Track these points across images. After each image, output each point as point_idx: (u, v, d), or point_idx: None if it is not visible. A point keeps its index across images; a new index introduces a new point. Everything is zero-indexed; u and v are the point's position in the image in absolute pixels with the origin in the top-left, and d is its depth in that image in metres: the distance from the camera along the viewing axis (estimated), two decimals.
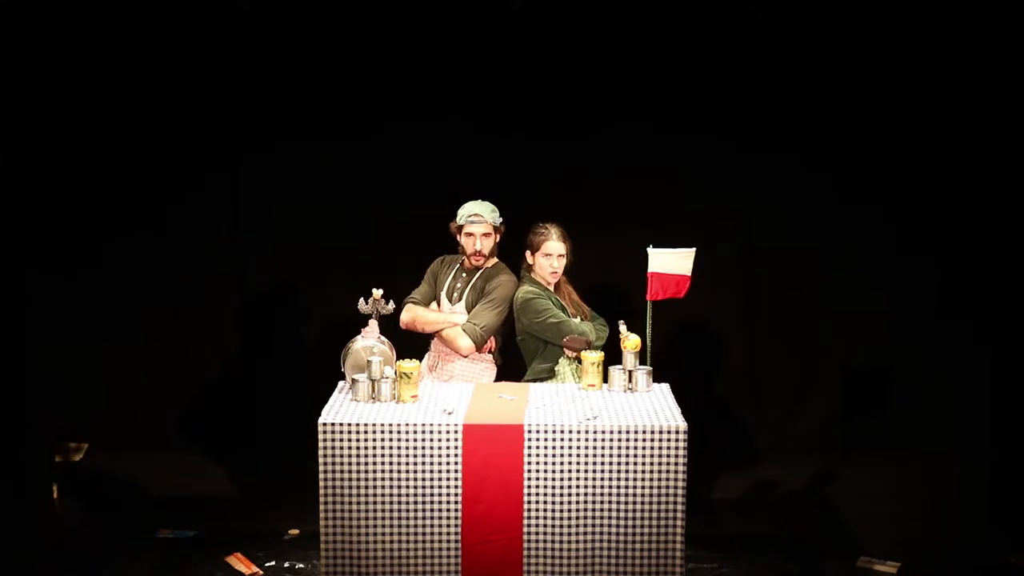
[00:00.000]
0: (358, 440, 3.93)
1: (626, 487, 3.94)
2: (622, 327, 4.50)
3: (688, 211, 6.05)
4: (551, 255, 4.84)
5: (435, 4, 5.81)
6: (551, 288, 4.90)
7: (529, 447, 3.95)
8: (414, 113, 5.93)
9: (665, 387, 4.47)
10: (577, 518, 3.96)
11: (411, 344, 4.83)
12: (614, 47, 5.89)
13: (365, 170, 6.00)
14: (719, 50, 5.90)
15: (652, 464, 3.93)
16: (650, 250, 4.59)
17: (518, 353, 4.92)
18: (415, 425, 3.95)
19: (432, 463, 3.95)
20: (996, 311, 6.05)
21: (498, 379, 4.92)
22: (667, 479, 3.93)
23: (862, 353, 6.19)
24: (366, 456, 3.94)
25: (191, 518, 5.25)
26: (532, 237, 4.89)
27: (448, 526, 3.97)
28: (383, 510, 3.96)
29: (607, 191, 6.07)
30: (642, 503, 3.94)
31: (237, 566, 4.77)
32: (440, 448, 3.94)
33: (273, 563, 4.81)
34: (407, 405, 4.16)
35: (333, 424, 3.94)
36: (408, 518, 3.96)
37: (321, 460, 3.94)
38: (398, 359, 4.30)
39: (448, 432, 3.94)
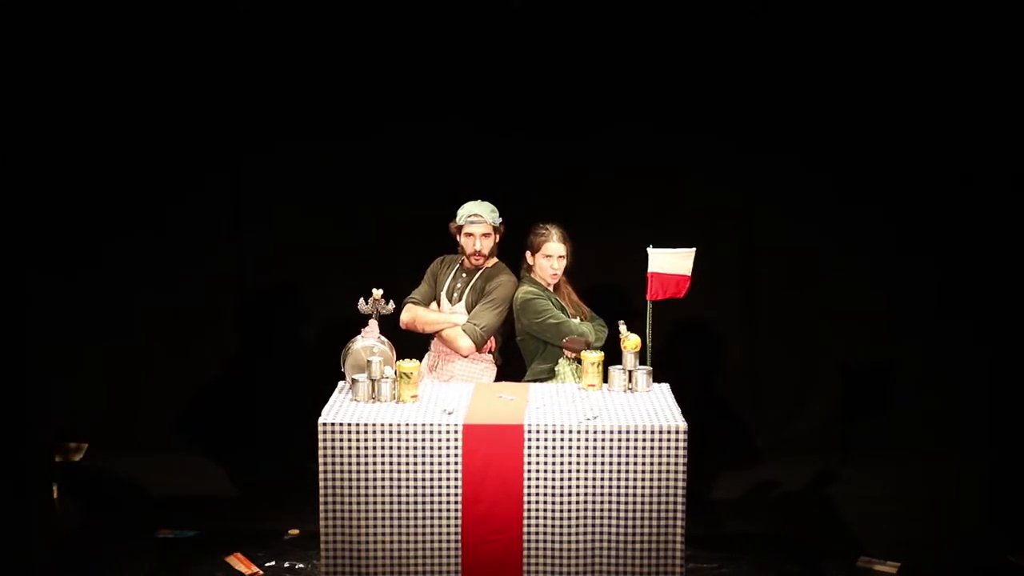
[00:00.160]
0: (358, 440, 3.93)
1: (626, 487, 3.94)
2: (622, 327, 4.50)
3: (688, 211, 6.05)
4: (551, 256, 4.84)
5: (435, 4, 5.81)
6: (551, 288, 4.90)
7: (529, 447, 3.95)
8: (414, 113, 5.92)
9: (665, 387, 4.47)
10: (577, 518, 3.96)
11: (411, 344, 4.83)
12: (614, 47, 5.89)
13: (365, 170, 6.00)
14: (719, 50, 5.90)
15: (652, 464, 3.93)
16: (650, 250, 4.59)
17: (518, 353, 4.92)
18: (415, 425, 3.95)
19: (432, 463, 3.95)
20: (996, 311, 6.05)
21: (498, 379, 4.92)
22: (667, 479, 3.93)
23: (862, 353, 6.19)
24: (366, 456, 3.94)
25: (191, 518, 5.25)
26: (532, 238, 4.89)
27: (448, 526, 3.96)
28: (383, 510, 3.96)
29: (607, 191, 6.07)
30: (642, 503, 3.94)
31: (237, 566, 4.77)
32: (440, 448, 3.94)
33: (273, 563, 4.81)
34: (407, 405, 4.16)
35: (333, 424, 3.94)
36: (408, 518, 3.96)
37: (321, 460, 3.94)
38: (398, 359, 4.30)
39: (448, 432, 3.94)
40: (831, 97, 5.93)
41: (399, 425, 3.95)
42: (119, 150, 5.98)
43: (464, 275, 4.98)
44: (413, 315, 4.94)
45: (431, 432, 3.94)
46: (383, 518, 3.96)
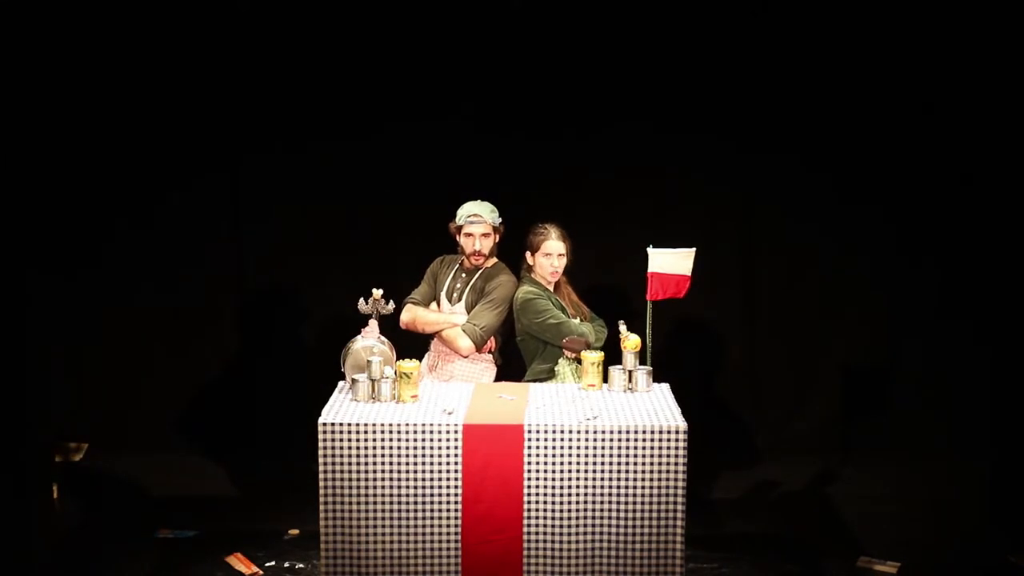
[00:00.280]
0: (358, 440, 3.93)
1: (626, 487, 3.94)
2: (622, 327, 4.50)
3: (688, 211, 6.05)
4: (551, 255, 4.84)
5: (435, 4, 5.81)
6: (551, 288, 4.90)
7: (529, 447, 3.95)
8: (414, 113, 5.93)
9: (665, 387, 4.47)
10: (577, 518, 3.96)
11: (411, 344, 4.83)
12: (614, 47, 5.89)
13: (365, 170, 6.00)
14: (719, 50, 5.90)
15: (652, 464, 3.93)
16: (650, 250, 4.59)
17: (518, 353, 4.92)
18: (415, 425, 3.95)
19: (432, 463, 3.95)
20: (996, 311, 6.05)
21: (498, 379, 4.92)
22: (667, 479, 3.93)
23: (862, 353, 6.19)
24: (366, 456, 3.94)
25: (191, 518, 5.25)
26: (532, 237, 4.89)
27: (448, 526, 3.96)
28: (383, 510, 3.96)
29: (607, 191, 6.07)
30: (642, 503, 3.94)
31: (237, 566, 4.77)
32: (440, 448, 3.94)
33: (273, 563, 4.81)
34: (407, 405, 4.16)
35: (333, 424, 3.94)
36: (408, 518, 3.96)
37: (321, 460, 3.94)
38: (398, 359, 4.30)
39: (448, 432, 3.94)
40: (831, 97, 5.93)
41: (399, 425, 3.95)
42: (119, 150, 5.98)
43: (464, 275, 4.98)
44: (413, 315, 4.94)
45: (431, 432, 3.94)
46: (383, 518, 3.96)
